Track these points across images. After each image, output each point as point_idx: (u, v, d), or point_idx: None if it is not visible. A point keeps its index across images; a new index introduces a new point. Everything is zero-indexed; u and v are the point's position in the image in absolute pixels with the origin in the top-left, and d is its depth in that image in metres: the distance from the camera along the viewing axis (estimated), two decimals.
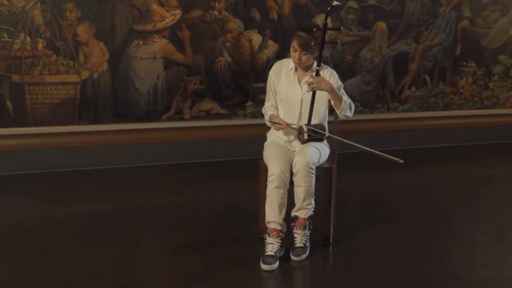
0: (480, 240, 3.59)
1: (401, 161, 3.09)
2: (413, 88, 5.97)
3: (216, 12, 5.16)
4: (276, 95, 3.43)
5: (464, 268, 3.18)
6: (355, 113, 5.59)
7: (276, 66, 3.47)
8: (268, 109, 3.44)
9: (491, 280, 3.01)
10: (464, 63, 6.10)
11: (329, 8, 3.27)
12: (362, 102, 5.75)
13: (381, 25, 5.71)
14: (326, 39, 3.29)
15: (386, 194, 4.66)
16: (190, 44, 5.12)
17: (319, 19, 5.40)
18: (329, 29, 3.36)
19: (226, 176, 4.99)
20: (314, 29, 3.27)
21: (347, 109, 3.34)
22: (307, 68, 3.39)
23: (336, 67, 5.54)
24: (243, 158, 5.22)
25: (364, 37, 5.68)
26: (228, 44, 5.25)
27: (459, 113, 6.17)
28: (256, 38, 5.32)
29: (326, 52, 5.53)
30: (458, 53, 6.05)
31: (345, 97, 3.34)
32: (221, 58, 5.26)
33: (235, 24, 5.24)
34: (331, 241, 3.42)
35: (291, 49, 3.31)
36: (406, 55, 5.87)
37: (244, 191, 4.31)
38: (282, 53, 5.31)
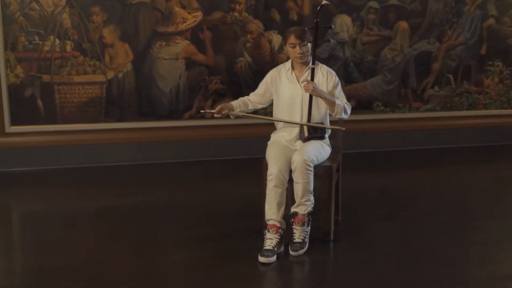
0: (480, 240, 3.57)
1: (343, 129, 3.44)
2: (436, 88, 5.94)
3: (236, 14, 5.30)
4: (277, 96, 3.55)
5: (458, 267, 3.19)
6: (377, 112, 5.76)
7: (274, 71, 3.58)
8: (246, 96, 3.63)
9: (483, 279, 3.03)
10: (490, 62, 6.02)
11: (318, 7, 3.40)
12: (383, 102, 5.77)
13: (403, 25, 5.71)
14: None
15: (394, 194, 4.61)
16: (211, 45, 5.28)
17: (339, 20, 5.49)
18: (321, 27, 3.45)
19: (242, 173, 5.08)
20: (306, 28, 3.40)
21: (341, 112, 3.43)
22: (305, 65, 3.48)
23: (357, 67, 5.63)
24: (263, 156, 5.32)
25: (385, 37, 5.69)
26: (248, 44, 5.38)
27: (485, 113, 6.09)
28: (276, 39, 5.42)
29: (347, 52, 5.58)
30: (483, 52, 5.98)
31: (338, 101, 3.42)
32: (242, 59, 5.39)
33: (255, 25, 5.37)
34: (332, 238, 3.51)
35: (289, 48, 3.42)
36: (429, 54, 5.84)
37: (256, 188, 4.41)
38: None
